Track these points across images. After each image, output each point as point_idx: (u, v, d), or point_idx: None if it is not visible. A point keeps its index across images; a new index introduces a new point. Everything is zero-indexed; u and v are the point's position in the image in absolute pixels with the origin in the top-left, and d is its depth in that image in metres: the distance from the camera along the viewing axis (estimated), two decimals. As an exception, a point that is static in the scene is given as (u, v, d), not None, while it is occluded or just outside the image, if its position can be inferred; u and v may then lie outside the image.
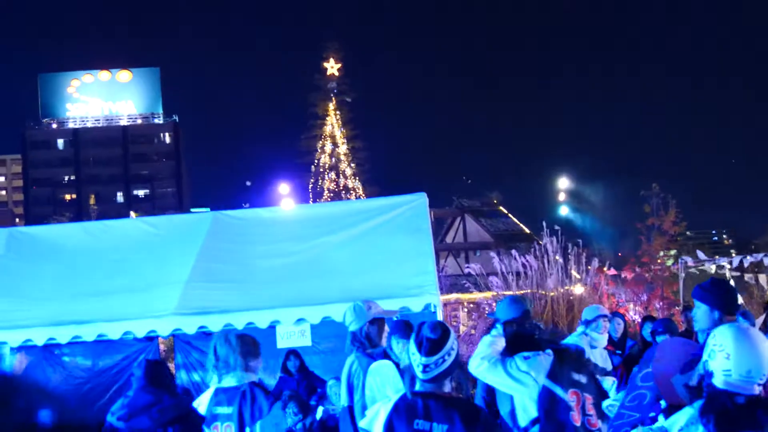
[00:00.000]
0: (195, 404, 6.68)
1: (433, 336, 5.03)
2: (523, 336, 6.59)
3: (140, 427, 6.20)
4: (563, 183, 45.15)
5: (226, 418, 6.49)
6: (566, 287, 19.69)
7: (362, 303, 7.84)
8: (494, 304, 21.04)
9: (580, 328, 9.51)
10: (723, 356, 4.80)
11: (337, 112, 71.70)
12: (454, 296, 24.62)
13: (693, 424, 4.85)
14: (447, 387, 5.09)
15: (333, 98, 71.28)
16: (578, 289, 20.23)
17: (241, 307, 11.39)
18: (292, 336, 11.57)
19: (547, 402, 6.13)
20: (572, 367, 6.28)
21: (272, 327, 11.38)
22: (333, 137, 71.04)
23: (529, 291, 19.44)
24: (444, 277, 23.56)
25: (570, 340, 7.49)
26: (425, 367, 5.02)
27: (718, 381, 4.81)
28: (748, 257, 21.13)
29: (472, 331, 20.30)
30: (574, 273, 20.76)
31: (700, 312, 6.04)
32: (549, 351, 6.39)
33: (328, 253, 12.54)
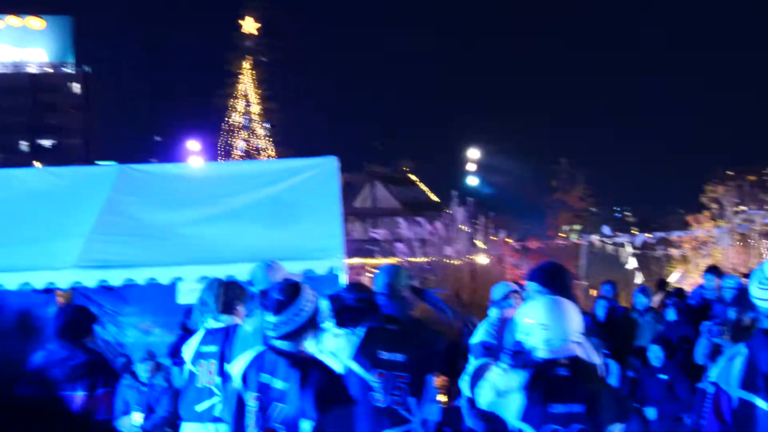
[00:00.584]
0: (186, 344, 7.52)
1: (281, 297, 5.25)
2: (347, 309, 6.82)
3: (55, 380, 6.41)
4: (473, 153, 45.35)
5: (211, 355, 7.17)
6: (471, 256, 19.88)
7: (271, 263, 8.07)
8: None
9: (493, 311, 9.54)
10: (540, 329, 5.22)
11: (253, 72, 71.11)
12: (358, 260, 24.68)
13: (510, 391, 5.17)
14: (301, 346, 5.27)
15: (249, 57, 70.64)
16: (482, 259, 20.44)
17: (143, 263, 11.27)
18: (194, 292, 11.50)
19: (351, 383, 6.23)
20: (382, 345, 6.45)
21: (174, 283, 11.30)
22: (246, 96, 70.47)
23: (433, 258, 19.59)
24: (350, 241, 23.60)
25: (483, 326, 7.52)
26: (274, 326, 5.24)
27: (541, 353, 5.18)
28: (647, 235, 21.62)
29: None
30: (479, 243, 20.95)
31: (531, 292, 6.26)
32: (361, 329, 6.58)
33: (235, 212, 12.45)
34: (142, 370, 10.49)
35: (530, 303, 5.46)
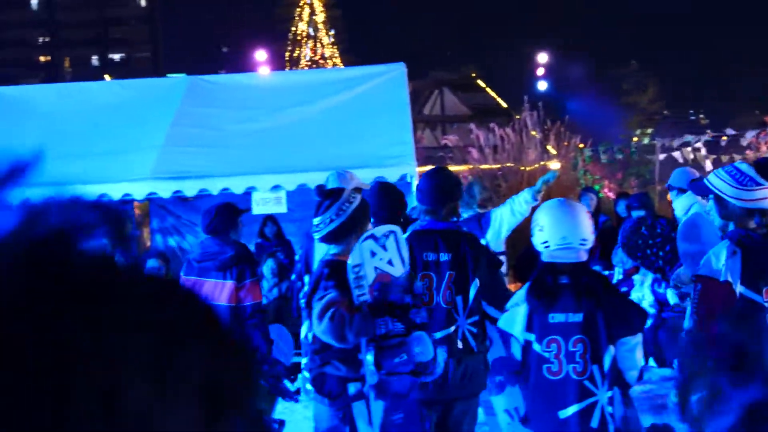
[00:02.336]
0: None
1: (320, 199, 5.33)
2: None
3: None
4: (542, 58, 44.85)
5: None
6: (543, 162, 19.69)
7: (344, 172, 8.02)
8: (470, 177, 21.11)
9: None
10: (538, 230, 5.02)
11: (316, -21, 70.59)
12: (430, 168, 24.66)
13: (518, 303, 5.05)
14: (345, 252, 5.23)
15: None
16: (554, 165, 20.25)
17: (217, 173, 11.37)
18: (267, 202, 11.58)
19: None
20: (424, 247, 6.14)
21: (248, 193, 11.38)
22: (311, 5, 70.07)
23: (505, 165, 19.43)
24: (420, 148, 23.53)
25: None
26: (315, 227, 5.26)
27: (544, 256, 5.01)
28: (723, 138, 21.22)
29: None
30: (550, 148, 20.74)
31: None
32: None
33: (305, 122, 12.46)
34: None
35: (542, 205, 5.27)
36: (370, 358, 5.03)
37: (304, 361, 7.43)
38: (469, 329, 6.01)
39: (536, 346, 4.90)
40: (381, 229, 5.36)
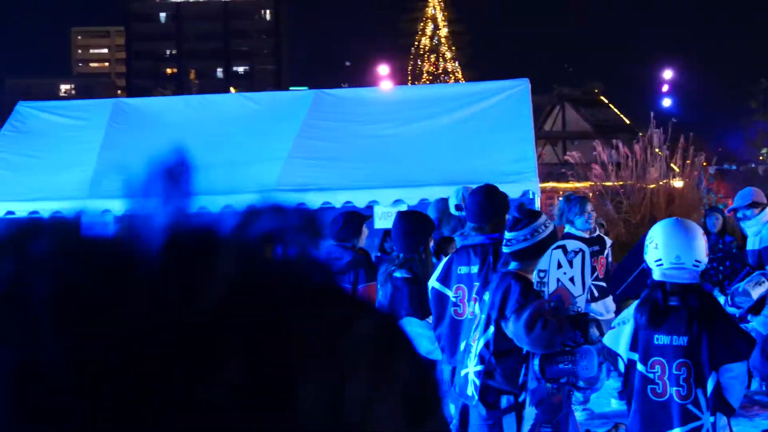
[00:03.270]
0: None
1: (517, 214, 5.28)
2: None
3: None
4: (667, 74, 44.06)
5: None
6: (666, 180, 19.38)
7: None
8: (591, 194, 20.86)
9: None
10: (652, 247, 4.94)
11: (441, -6, 70.85)
12: (550, 185, 24.48)
13: (625, 321, 5.01)
14: (526, 270, 5.29)
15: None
16: (678, 183, 19.92)
17: (340, 186, 11.49)
18: (389, 216, 11.63)
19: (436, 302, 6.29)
20: (461, 262, 6.25)
21: (370, 206, 11.46)
22: (434, 19, 70.35)
23: (628, 183, 19.18)
24: (541, 164, 23.42)
25: None
26: (507, 241, 5.27)
27: (655, 274, 4.91)
28: None
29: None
30: (674, 166, 20.40)
31: None
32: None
33: (428, 136, 12.50)
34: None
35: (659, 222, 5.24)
36: (536, 362, 5.08)
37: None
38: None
39: (640, 366, 4.85)
40: (573, 244, 5.51)
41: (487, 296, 5.35)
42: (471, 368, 5.33)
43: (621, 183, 19.25)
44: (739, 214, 8.54)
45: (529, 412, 5.16)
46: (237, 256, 0.62)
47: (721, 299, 8.88)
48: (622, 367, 4.99)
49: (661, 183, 19.08)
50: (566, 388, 5.20)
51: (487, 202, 6.26)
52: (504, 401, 5.23)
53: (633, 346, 4.88)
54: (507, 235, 5.28)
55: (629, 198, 18.69)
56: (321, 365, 0.58)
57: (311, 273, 0.64)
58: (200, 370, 0.56)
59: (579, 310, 5.34)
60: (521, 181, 11.21)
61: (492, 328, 5.21)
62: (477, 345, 5.29)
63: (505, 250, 5.32)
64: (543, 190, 23.59)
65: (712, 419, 4.78)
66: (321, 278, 0.64)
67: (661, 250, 4.88)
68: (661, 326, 4.78)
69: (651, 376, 4.80)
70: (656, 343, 4.79)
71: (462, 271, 6.18)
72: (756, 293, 7.14)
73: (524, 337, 5.05)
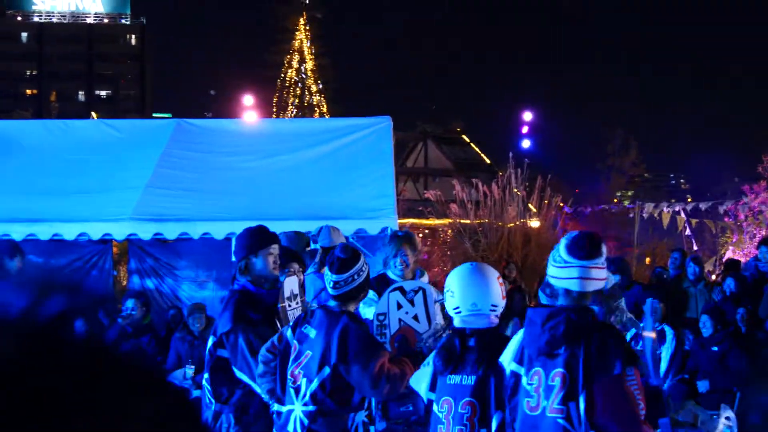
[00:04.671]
0: None
1: (342, 256, 5.38)
2: None
3: None
4: (527, 116, 44.94)
5: None
6: (523, 220, 19.75)
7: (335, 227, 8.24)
8: (449, 232, 21.09)
9: None
10: (449, 296, 4.98)
11: (307, 27, 71.01)
12: (410, 221, 24.66)
13: (426, 364, 5.07)
14: (350, 306, 5.45)
15: (304, 13, 70.52)
16: (535, 223, 20.31)
17: (198, 217, 11.39)
18: (247, 249, 11.58)
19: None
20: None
21: (228, 239, 11.38)
22: (301, 52, 70.44)
23: (486, 221, 19.47)
24: (402, 201, 23.59)
25: None
26: (335, 284, 5.37)
27: (456, 321, 4.98)
28: (701, 204, 21.42)
29: (426, 257, 20.37)
30: (531, 206, 20.79)
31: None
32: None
33: (289, 170, 12.51)
34: (195, 324, 10.58)
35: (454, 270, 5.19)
36: (376, 404, 5.14)
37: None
38: None
39: (435, 406, 4.89)
40: (411, 284, 5.56)
41: (311, 332, 5.36)
42: (298, 407, 5.34)
43: (479, 221, 19.53)
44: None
45: None
46: (16, 336, 0.62)
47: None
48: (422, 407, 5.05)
49: (518, 222, 19.45)
50: (416, 428, 5.26)
51: None
52: None
53: (432, 387, 4.94)
54: (332, 277, 5.37)
55: (487, 236, 18.99)
56: None
57: (95, 356, 0.64)
58: None
59: (430, 347, 5.37)
60: (380, 217, 11.32)
61: (328, 370, 5.24)
62: (310, 384, 5.28)
63: (332, 292, 5.39)
64: (402, 227, 23.73)
65: None
66: (104, 362, 0.64)
67: (457, 298, 4.89)
68: (456, 368, 4.83)
69: (440, 415, 4.82)
70: (448, 382, 4.83)
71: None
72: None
73: (369, 390, 5.15)
